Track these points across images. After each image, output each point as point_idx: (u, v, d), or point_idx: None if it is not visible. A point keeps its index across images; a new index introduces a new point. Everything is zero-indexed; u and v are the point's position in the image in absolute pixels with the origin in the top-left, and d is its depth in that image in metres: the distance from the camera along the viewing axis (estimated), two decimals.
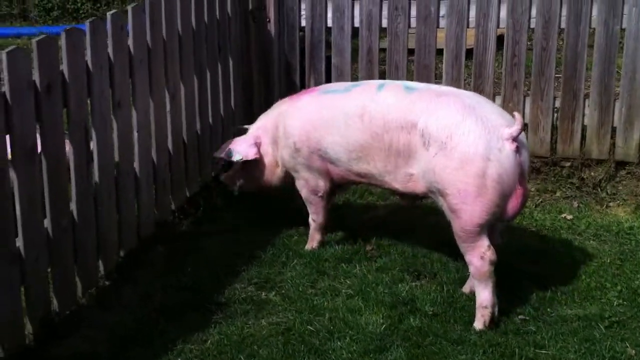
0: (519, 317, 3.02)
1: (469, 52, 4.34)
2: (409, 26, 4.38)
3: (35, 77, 2.68)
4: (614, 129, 4.27)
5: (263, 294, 3.23)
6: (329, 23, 4.52)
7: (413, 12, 4.35)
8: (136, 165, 3.44)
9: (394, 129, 3.08)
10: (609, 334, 2.91)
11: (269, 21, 4.55)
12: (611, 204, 4.17)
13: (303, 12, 4.57)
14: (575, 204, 4.17)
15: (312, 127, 3.39)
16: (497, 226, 3.14)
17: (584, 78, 4.24)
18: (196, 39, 3.86)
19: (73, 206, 2.99)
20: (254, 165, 3.69)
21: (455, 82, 4.30)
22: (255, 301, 3.16)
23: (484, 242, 2.94)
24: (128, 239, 3.42)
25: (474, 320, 2.96)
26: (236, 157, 3.65)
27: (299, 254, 3.56)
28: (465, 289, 3.22)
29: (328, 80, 4.52)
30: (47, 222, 2.84)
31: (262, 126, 3.70)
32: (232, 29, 4.28)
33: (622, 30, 4.14)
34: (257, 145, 3.65)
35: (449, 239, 3.08)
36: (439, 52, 4.46)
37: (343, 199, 4.16)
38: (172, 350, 2.81)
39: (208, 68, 4.02)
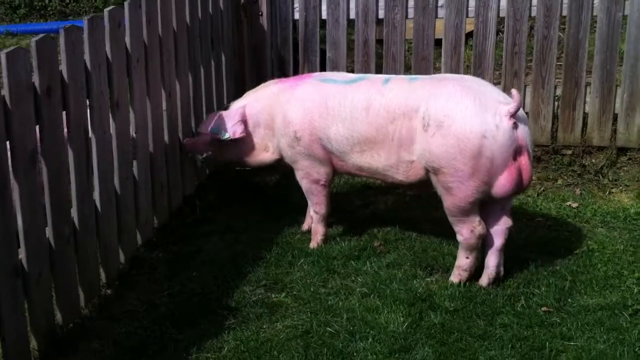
0: (542, 309, 2.96)
1: (468, 40, 4.26)
2: (407, 17, 4.30)
3: (35, 79, 2.54)
4: (615, 116, 4.24)
5: (273, 295, 3.12)
6: (324, 15, 4.42)
7: (410, 3, 4.27)
8: (135, 166, 3.30)
9: (397, 117, 3.10)
10: (635, 321, 2.86)
11: (262, 15, 4.44)
12: (614, 190, 4.14)
13: (296, 5, 4.46)
14: (578, 192, 4.13)
15: (317, 116, 3.33)
16: (507, 206, 3.12)
17: (585, 66, 4.20)
18: (190, 35, 3.73)
19: (74, 211, 2.85)
20: (233, 142, 3.57)
21: (454, 73, 4.21)
22: (267, 304, 3.05)
23: (475, 217, 3.03)
24: (128, 244, 3.28)
25: (495, 311, 2.92)
26: (224, 136, 3.54)
27: (305, 253, 3.46)
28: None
29: None
30: (48, 231, 2.69)
31: (249, 105, 3.58)
32: (224, 24, 4.16)
33: (625, 17, 4.11)
34: (244, 122, 3.55)
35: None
36: (437, 42, 4.37)
37: (341, 198, 4.05)
38: None
39: (202, 64, 3.90)
